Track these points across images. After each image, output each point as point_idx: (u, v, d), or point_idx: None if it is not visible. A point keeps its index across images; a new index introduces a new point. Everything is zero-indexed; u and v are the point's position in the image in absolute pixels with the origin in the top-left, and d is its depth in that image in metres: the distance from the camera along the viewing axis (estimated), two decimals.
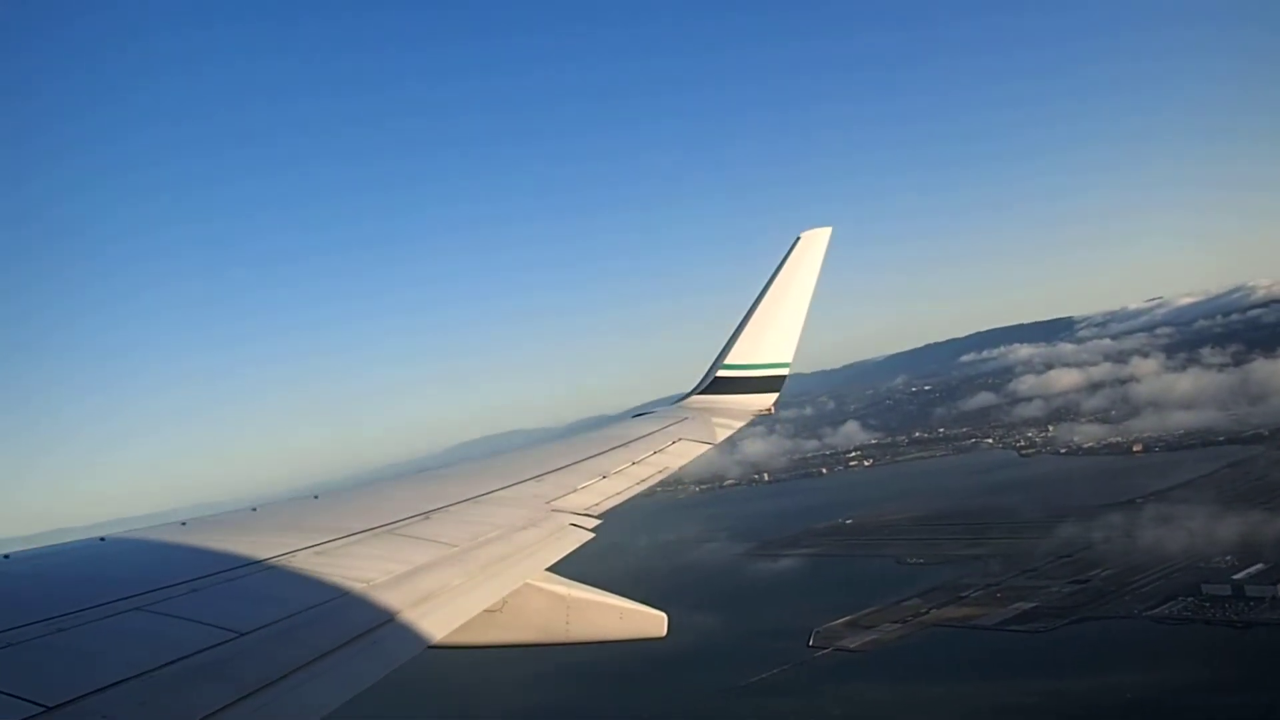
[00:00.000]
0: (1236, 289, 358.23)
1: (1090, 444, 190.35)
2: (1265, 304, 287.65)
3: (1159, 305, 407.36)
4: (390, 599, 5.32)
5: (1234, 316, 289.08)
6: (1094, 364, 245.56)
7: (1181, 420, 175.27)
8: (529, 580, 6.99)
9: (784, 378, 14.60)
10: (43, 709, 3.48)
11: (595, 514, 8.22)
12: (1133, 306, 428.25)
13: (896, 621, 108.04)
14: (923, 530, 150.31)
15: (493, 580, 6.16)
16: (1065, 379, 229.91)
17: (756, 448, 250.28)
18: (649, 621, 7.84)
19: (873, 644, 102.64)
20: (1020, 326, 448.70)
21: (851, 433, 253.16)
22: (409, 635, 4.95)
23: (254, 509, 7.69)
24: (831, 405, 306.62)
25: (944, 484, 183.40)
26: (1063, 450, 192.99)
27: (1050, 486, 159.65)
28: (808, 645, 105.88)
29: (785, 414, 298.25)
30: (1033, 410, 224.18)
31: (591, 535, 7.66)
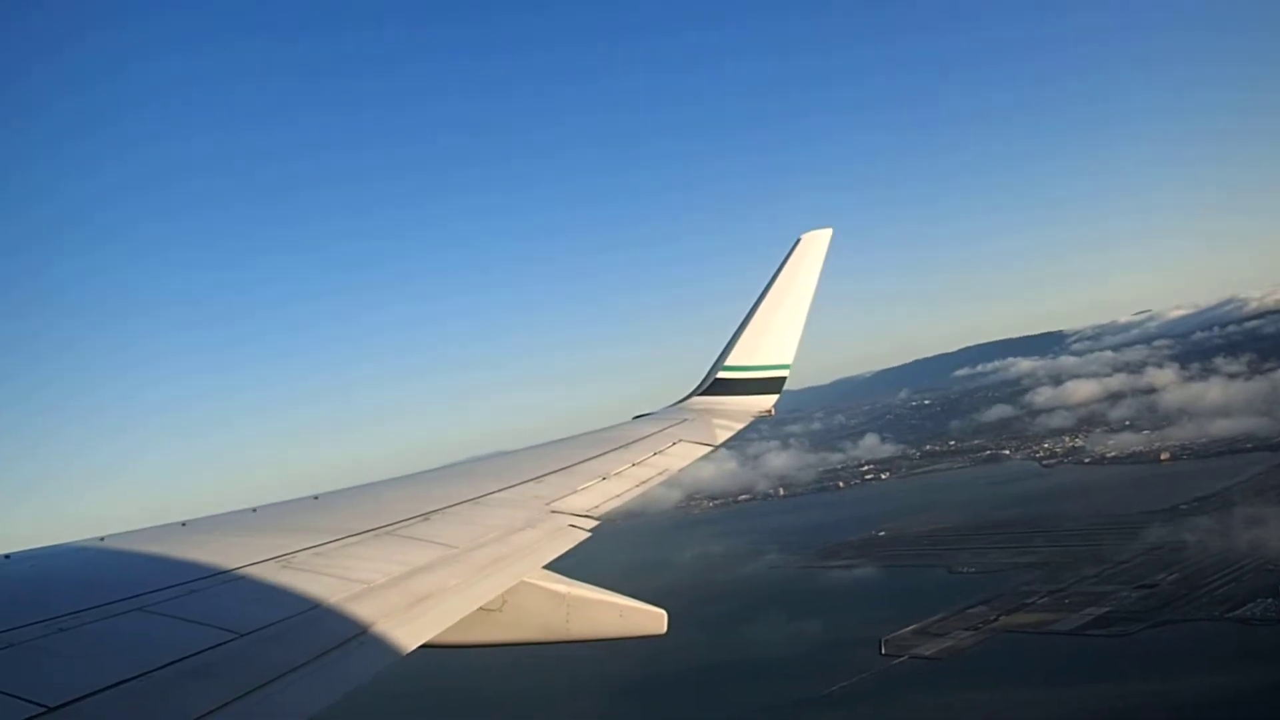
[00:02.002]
0: (1228, 301, 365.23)
1: (1114, 453, 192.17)
2: (1261, 315, 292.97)
3: (1149, 318, 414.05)
4: (388, 599, 5.40)
5: (1231, 328, 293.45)
6: (1104, 375, 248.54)
7: (1221, 428, 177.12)
8: (530, 580, 7.12)
9: (784, 379, 14.58)
10: (43, 709, 3.51)
11: (595, 516, 8.22)
12: (1123, 320, 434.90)
13: (968, 629, 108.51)
14: (963, 540, 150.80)
15: (488, 580, 6.23)
16: (1084, 390, 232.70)
17: (767, 463, 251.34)
18: (649, 619, 7.98)
19: (950, 651, 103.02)
20: (1010, 341, 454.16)
21: (866, 446, 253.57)
22: (405, 635, 5.01)
23: (254, 510, 7.72)
24: (840, 419, 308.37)
25: (971, 495, 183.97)
26: (1086, 460, 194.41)
27: (1085, 495, 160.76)
28: (880, 654, 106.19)
29: (793, 429, 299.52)
30: (1053, 421, 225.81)
31: (588, 535, 7.69)
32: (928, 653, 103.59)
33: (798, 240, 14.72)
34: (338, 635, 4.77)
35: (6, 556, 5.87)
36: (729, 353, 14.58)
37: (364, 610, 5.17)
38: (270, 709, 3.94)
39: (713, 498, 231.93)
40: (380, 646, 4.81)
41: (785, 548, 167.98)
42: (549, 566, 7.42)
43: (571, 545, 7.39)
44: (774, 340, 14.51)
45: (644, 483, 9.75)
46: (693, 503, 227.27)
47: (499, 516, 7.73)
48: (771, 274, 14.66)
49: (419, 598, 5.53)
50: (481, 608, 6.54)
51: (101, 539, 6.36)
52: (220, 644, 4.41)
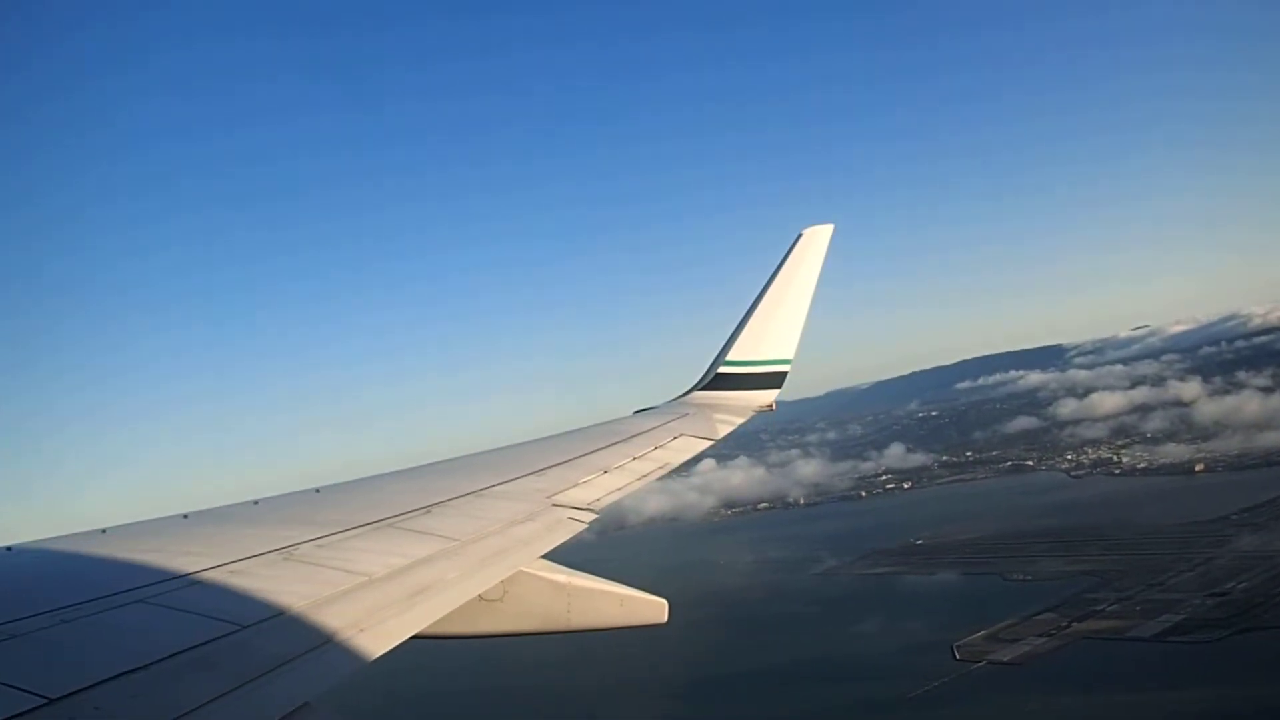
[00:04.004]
0: (1230, 316, 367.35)
1: (1144, 464, 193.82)
2: (1268, 331, 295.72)
3: (1150, 333, 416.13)
4: (389, 591, 5.49)
5: (1239, 343, 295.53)
6: (1124, 389, 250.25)
7: (1267, 440, 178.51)
8: (531, 570, 7.32)
9: (785, 374, 14.70)
10: (45, 701, 3.56)
11: (596, 509, 8.37)
12: (1123, 335, 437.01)
13: (1041, 635, 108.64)
14: (1009, 549, 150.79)
15: (486, 571, 6.35)
16: (1110, 402, 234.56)
17: (784, 472, 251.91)
18: (649, 608, 8.25)
19: (1028, 656, 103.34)
20: (1009, 354, 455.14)
21: (884, 456, 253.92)
22: (404, 624, 5.13)
23: (255, 502, 7.83)
24: (856, 429, 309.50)
25: (1003, 505, 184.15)
26: (1116, 471, 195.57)
27: (1126, 506, 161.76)
28: (955, 659, 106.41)
29: (810, 439, 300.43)
30: (1085, 433, 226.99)
31: (585, 526, 7.85)
32: (1005, 658, 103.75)
33: (799, 235, 14.90)
34: (338, 626, 4.83)
35: (8, 548, 5.92)
36: (730, 348, 14.74)
37: (365, 601, 5.26)
38: (269, 698, 4.01)
39: (729, 505, 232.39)
40: (379, 636, 4.87)
41: (823, 555, 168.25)
42: (552, 557, 7.63)
43: (569, 537, 7.50)
44: (775, 335, 14.67)
45: (644, 476, 9.86)
46: (710, 511, 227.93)
47: (500, 509, 7.80)
48: (773, 269, 14.87)
49: (419, 589, 5.61)
50: (484, 598, 6.89)
51: (103, 531, 6.42)
52: (221, 636, 4.46)
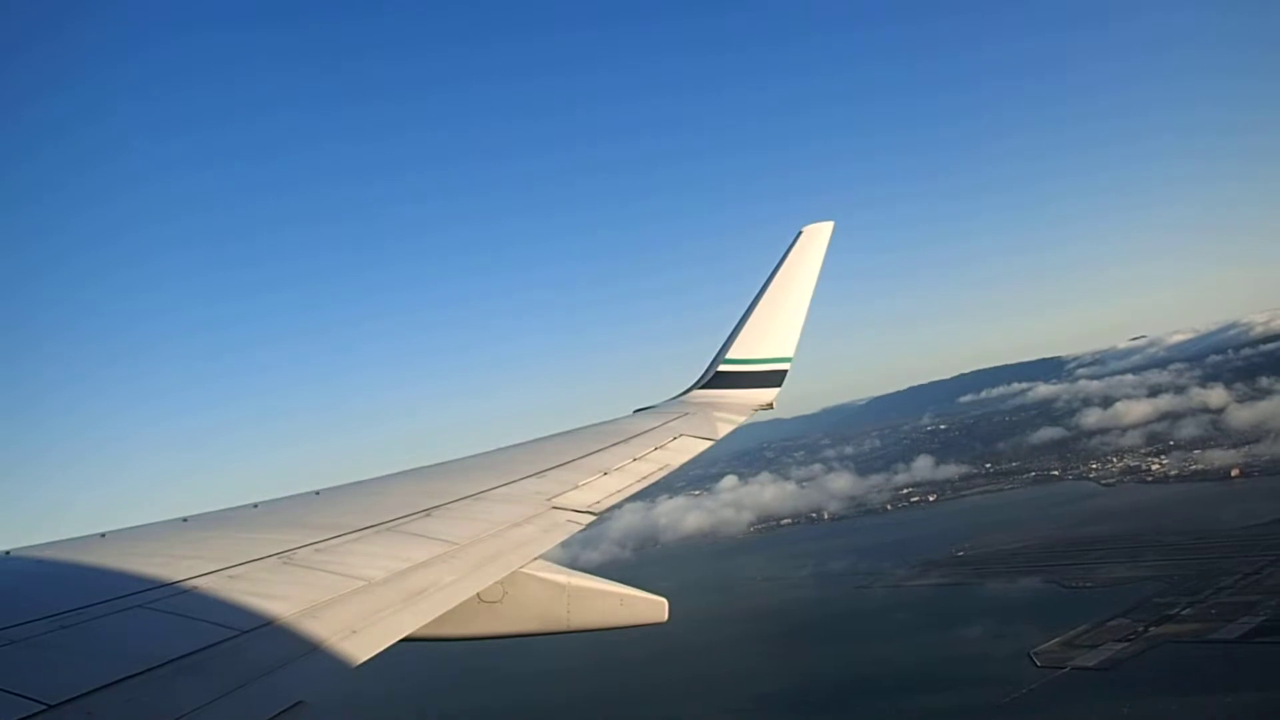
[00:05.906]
0: (1231, 325, 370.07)
1: (1176, 471, 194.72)
2: (1275, 338, 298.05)
3: (1149, 344, 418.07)
4: (387, 596, 5.50)
5: (1245, 351, 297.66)
6: (1143, 397, 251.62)
7: None
8: (530, 571, 7.36)
9: (785, 372, 14.62)
10: (43, 707, 3.56)
11: (596, 511, 8.29)
12: (1121, 345, 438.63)
13: (1120, 640, 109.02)
14: (1059, 556, 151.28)
15: (483, 572, 6.34)
16: (1136, 411, 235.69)
17: (804, 488, 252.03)
18: (650, 607, 8.33)
19: (1110, 661, 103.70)
20: (1008, 367, 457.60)
21: (900, 470, 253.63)
22: (401, 627, 5.16)
23: (255, 506, 7.77)
24: (875, 443, 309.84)
25: (1038, 514, 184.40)
26: (1149, 479, 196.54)
27: (1170, 511, 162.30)
28: (1035, 666, 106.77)
29: (827, 454, 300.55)
30: (1113, 441, 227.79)
31: (583, 528, 7.84)
32: (1089, 664, 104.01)
33: (799, 233, 14.97)
34: (334, 630, 4.86)
35: (7, 553, 5.91)
36: (730, 346, 14.73)
37: (362, 606, 5.28)
38: (263, 703, 4.04)
39: (753, 523, 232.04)
40: (375, 640, 4.91)
41: (867, 566, 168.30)
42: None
43: (565, 537, 7.53)
44: (775, 333, 14.64)
45: (645, 478, 9.85)
46: (744, 527, 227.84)
47: (500, 512, 7.78)
48: (773, 267, 14.92)
49: (417, 592, 5.65)
50: (483, 600, 7.06)
51: (102, 535, 6.43)
52: (219, 641, 4.48)
